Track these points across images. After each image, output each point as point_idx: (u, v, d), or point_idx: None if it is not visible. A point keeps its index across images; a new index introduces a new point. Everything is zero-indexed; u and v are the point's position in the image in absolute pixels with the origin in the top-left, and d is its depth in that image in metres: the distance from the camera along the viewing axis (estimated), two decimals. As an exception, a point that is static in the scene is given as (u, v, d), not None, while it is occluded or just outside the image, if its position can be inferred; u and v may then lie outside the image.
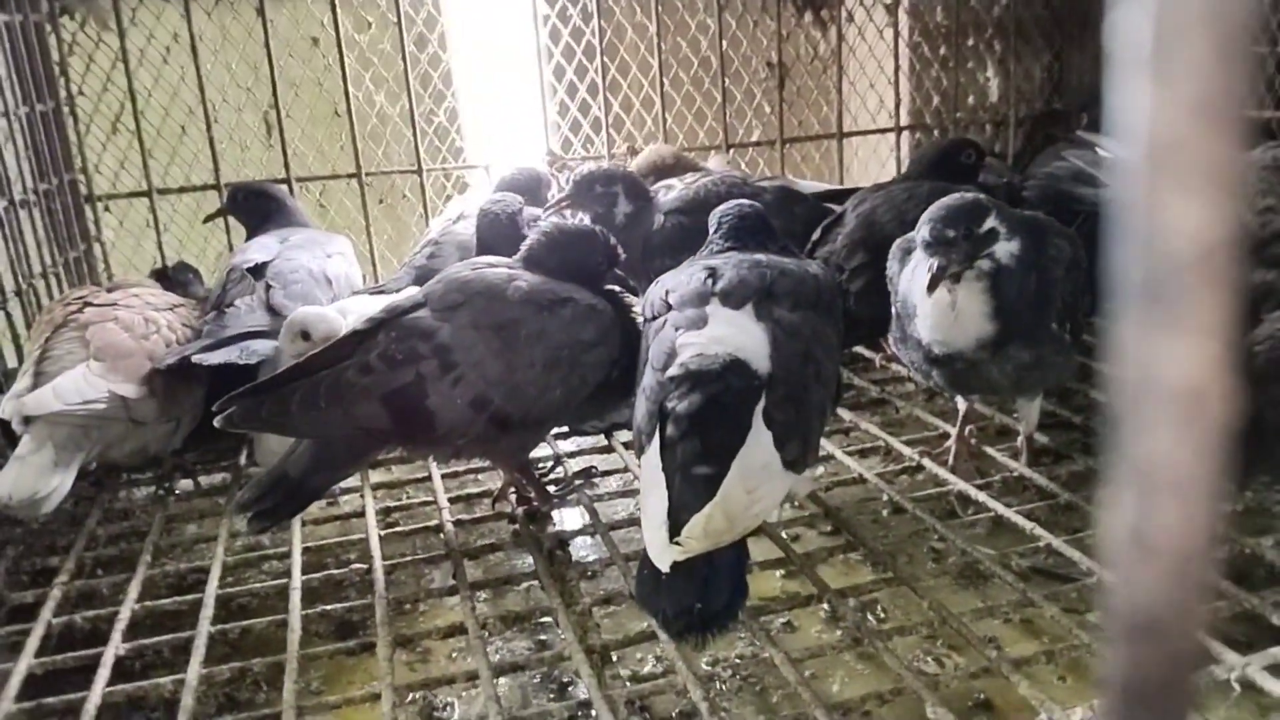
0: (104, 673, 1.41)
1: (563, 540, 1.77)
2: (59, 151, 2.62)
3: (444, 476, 2.01)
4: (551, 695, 1.50)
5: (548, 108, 3.04)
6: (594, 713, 1.27)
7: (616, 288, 1.80)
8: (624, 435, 2.09)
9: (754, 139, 3.28)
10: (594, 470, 1.96)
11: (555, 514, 1.87)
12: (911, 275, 1.74)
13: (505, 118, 3.18)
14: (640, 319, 1.67)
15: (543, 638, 1.66)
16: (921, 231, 1.62)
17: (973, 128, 3.40)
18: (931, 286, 1.61)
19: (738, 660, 1.51)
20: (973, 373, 1.72)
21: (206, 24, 2.77)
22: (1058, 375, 1.82)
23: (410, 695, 1.51)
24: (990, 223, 1.62)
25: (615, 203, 2.37)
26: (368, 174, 2.91)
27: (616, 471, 2.00)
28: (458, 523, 1.83)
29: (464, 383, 1.57)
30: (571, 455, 2.09)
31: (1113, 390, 0.29)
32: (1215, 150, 0.27)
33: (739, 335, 1.41)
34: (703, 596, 1.19)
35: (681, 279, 1.56)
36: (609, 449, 2.10)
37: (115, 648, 1.48)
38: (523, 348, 1.60)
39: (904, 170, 2.81)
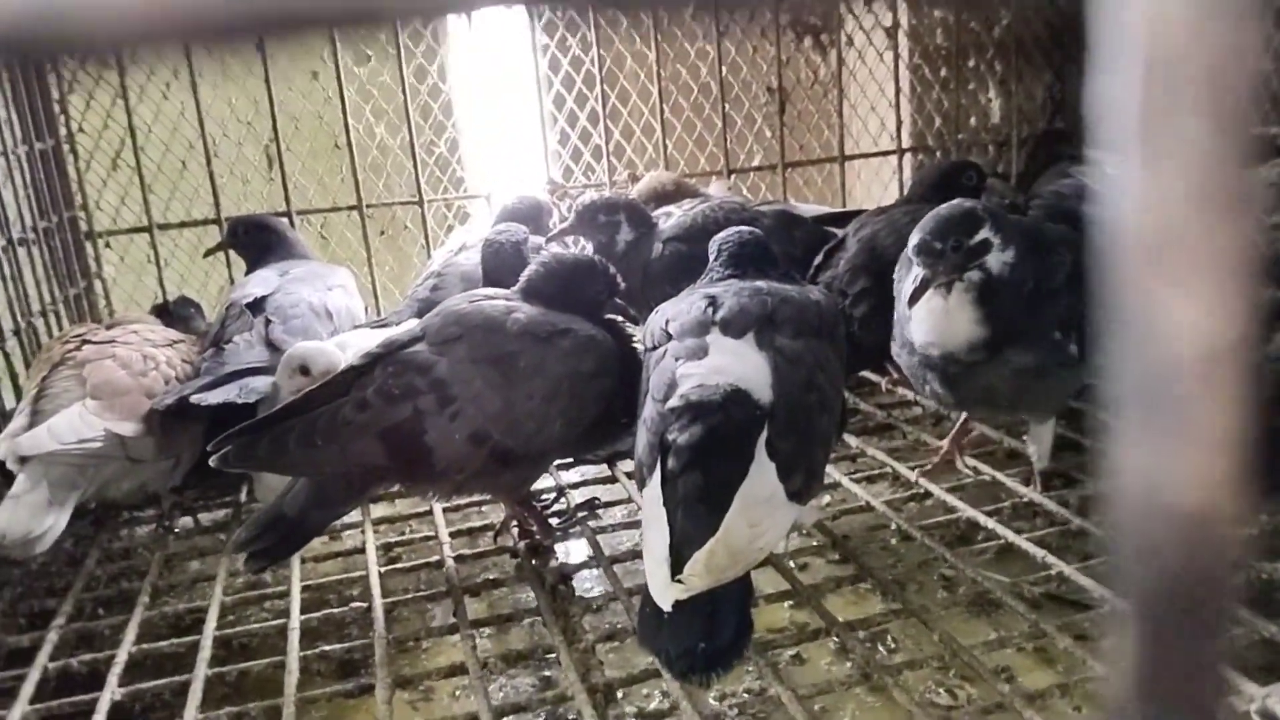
0: (99, 719, 1.39)
1: (566, 574, 1.74)
2: (59, 189, 2.62)
3: (445, 510, 1.98)
4: (555, 735, 1.48)
5: (548, 136, 3.04)
6: (597, 754, 1.24)
7: (617, 317, 1.78)
8: (627, 465, 2.07)
9: (755, 164, 3.27)
10: (597, 502, 1.94)
11: (558, 547, 1.84)
12: (901, 297, 1.73)
13: (506, 147, 3.18)
14: (641, 349, 1.65)
15: (547, 674, 1.63)
16: (912, 241, 1.63)
17: (975, 149, 3.38)
18: (913, 299, 1.63)
19: (745, 695, 1.48)
20: (969, 378, 1.70)
21: (206, 59, 2.77)
22: (1064, 389, 1.77)
23: (412, 736, 1.49)
24: (983, 234, 1.62)
25: (618, 230, 2.35)
26: (369, 206, 2.90)
27: (620, 502, 1.98)
28: (459, 558, 1.80)
29: (462, 417, 1.55)
30: (575, 486, 2.07)
31: (1110, 504, 0.26)
32: (1218, 240, 0.23)
33: (740, 365, 1.39)
34: (706, 635, 1.16)
35: (681, 308, 1.55)
36: (612, 479, 2.07)
37: (111, 692, 1.46)
38: (521, 380, 1.58)
39: (906, 193, 2.80)
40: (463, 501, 2.02)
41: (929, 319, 1.67)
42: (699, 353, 1.42)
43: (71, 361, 1.93)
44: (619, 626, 1.56)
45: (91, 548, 1.97)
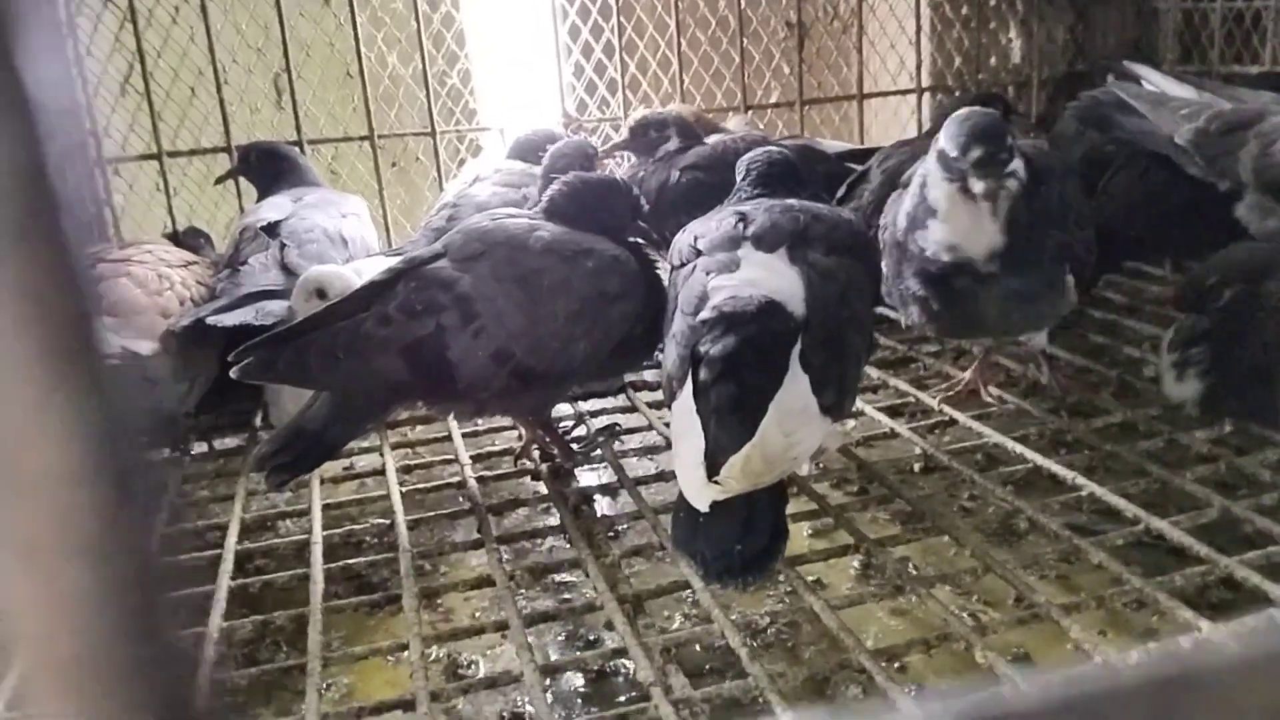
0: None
1: (588, 496, 1.73)
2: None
3: (464, 436, 1.96)
4: (580, 648, 1.47)
5: (563, 69, 2.98)
6: (628, 662, 1.23)
7: (640, 240, 1.75)
8: (646, 395, 2.05)
9: (773, 100, 3.22)
10: (618, 427, 1.92)
11: (578, 471, 1.83)
12: (920, 194, 1.67)
13: (520, 79, 3.12)
14: (664, 272, 1.63)
15: (568, 596, 1.63)
16: (971, 154, 1.54)
17: (995, 89, 3.32)
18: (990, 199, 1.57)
19: (771, 613, 1.47)
20: (970, 295, 1.67)
21: (215, -17, 2.72)
22: (1048, 314, 1.78)
23: (434, 653, 1.48)
24: (1009, 141, 1.61)
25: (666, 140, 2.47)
26: (380, 136, 2.85)
27: (640, 429, 1.96)
28: (480, 479, 1.78)
29: (485, 334, 1.53)
30: (594, 414, 2.05)
31: None
32: None
33: (773, 278, 1.36)
34: (742, 537, 1.15)
35: (710, 225, 1.52)
36: (632, 408, 2.05)
37: (132, 602, 1.44)
38: (545, 299, 1.56)
39: (929, 128, 2.76)
40: (481, 428, 2.01)
41: (958, 223, 1.61)
42: (730, 266, 1.40)
43: (85, 279, 1.90)
44: (643, 544, 1.55)
45: (106, 469, 1.95)
